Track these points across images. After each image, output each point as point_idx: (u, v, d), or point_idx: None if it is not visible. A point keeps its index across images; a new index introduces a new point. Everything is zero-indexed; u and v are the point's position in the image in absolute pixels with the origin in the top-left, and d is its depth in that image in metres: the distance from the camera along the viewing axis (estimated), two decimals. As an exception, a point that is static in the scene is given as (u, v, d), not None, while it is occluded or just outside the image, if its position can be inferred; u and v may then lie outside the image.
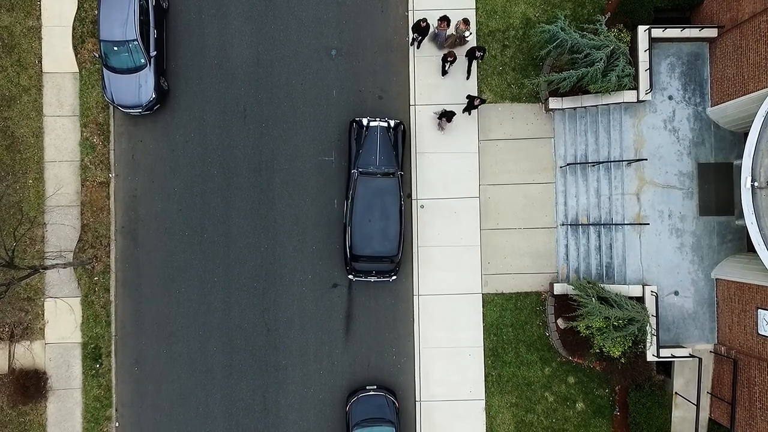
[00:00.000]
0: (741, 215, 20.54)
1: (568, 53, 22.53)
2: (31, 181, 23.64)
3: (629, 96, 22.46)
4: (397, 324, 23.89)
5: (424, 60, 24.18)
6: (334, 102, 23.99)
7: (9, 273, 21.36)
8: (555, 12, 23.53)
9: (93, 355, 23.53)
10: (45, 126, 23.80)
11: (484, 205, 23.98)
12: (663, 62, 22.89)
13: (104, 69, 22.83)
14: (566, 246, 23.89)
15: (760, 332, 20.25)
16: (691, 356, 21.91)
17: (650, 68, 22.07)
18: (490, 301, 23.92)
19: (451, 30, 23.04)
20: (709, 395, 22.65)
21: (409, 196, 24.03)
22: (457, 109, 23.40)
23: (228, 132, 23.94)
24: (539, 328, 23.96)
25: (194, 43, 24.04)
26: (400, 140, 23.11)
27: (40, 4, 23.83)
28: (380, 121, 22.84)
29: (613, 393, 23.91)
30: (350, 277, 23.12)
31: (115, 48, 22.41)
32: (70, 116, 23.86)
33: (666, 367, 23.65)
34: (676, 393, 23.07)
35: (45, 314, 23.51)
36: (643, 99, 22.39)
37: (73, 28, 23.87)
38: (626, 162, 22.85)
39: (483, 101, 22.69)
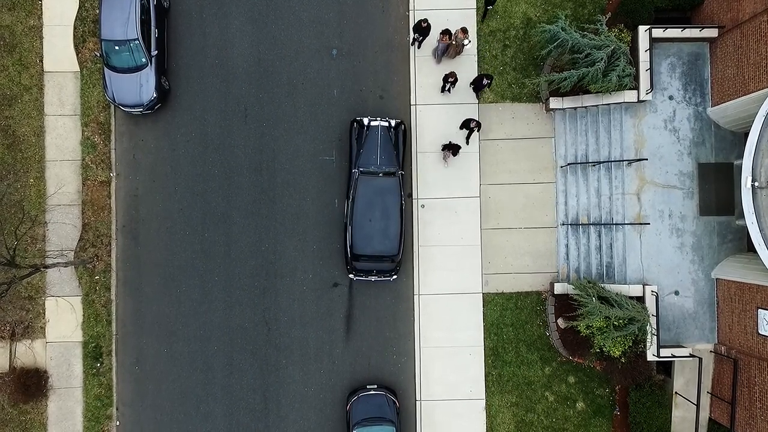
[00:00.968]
0: (741, 215, 20.55)
1: (568, 53, 22.55)
2: (32, 180, 23.67)
3: (630, 96, 22.48)
4: (397, 323, 23.91)
5: (424, 60, 24.20)
6: (334, 101, 24.01)
7: (10, 272, 21.40)
8: (556, 12, 23.56)
9: (94, 354, 23.56)
10: (46, 125, 23.84)
11: (484, 204, 24.00)
12: (663, 62, 22.91)
13: (105, 68, 22.86)
14: (566, 246, 23.91)
15: (760, 332, 20.27)
16: (692, 356, 21.93)
17: (651, 68, 22.09)
18: (490, 300, 23.94)
19: (446, 39, 23.00)
20: (709, 395, 22.67)
21: (410, 195, 24.05)
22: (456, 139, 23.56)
23: (229, 131, 23.97)
24: (539, 328, 23.98)
25: (195, 42, 24.07)
26: (400, 140, 23.14)
27: (41, 4, 23.87)
28: (381, 120, 22.87)
29: (614, 393, 23.93)
30: (351, 276, 23.14)
31: (117, 47, 22.44)
32: (71, 115, 23.89)
33: (666, 367, 23.67)
34: (676, 393, 23.09)
35: (46, 313, 23.54)
36: (643, 99, 22.41)
37: (75, 28, 23.90)
38: (627, 162, 22.87)
39: (479, 124, 22.70)
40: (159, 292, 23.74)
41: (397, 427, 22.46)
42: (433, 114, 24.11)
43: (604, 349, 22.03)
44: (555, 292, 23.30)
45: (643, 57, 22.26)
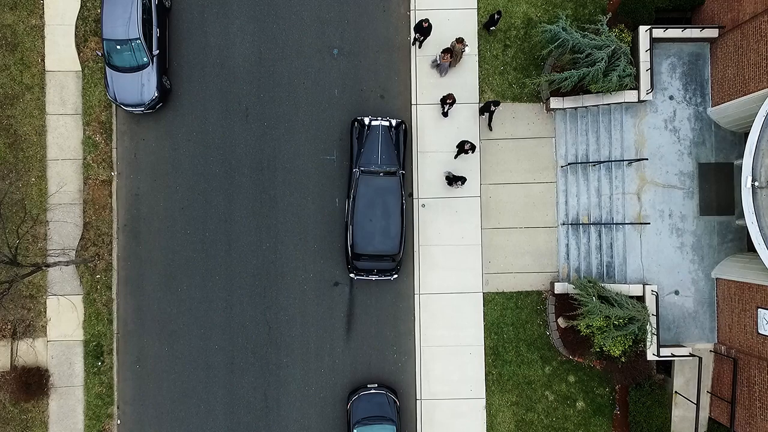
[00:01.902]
0: (741, 215, 20.61)
1: (569, 53, 22.60)
2: (33, 179, 23.71)
3: (630, 96, 22.53)
4: (398, 322, 23.96)
5: (425, 60, 24.24)
6: (335, 101, 24.05)
7: (12, 270, 21.43)
8: (556, 12, 23.61)
9: (95, 352, 23.60)
10: (48, 124, 23.88)
11: (485, 204, 24.05)
12: (664, 62, 22.96)
13: (107, 67, 22.89)
14: (567, 245, 23.96)
15: (760, 331, 20.31)
16: (691, 355, 21.98)
17: (651, 68, 22.14)
18: (490, 300, 23.99)
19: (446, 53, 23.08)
20: (709, 394, 22.72)
21: (411, 195, 24.10)
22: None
23: (230, 131, 24.02)
24: (540, 327, 24.03)
25: (197, 41, 24.11)
26: (401, 139, 23.19)
27: (43, 3, 23.91)
28: (382, 120, 22.92)
29: (614, 392, 23.98)
30: (351, 275, 23.19)
31: (118, 46, 22.48)
32: (72, 114, 23.94)
33: (666, 366, 23.72)
34: (676, 392, 23.13)
35: (47, 312, 23.59)
36: (644, 99, 22.46)
37: (76, 27, 23.94)
38: (627, 162, 22.92)
39: (473, 146, 22.75)
40: (160, 291, 23.79)
41: (398, 426, 22.51)
42: (434, 114, 24.14)
43: (604, 348, 22.08)
44: (555, 292, 23.34)
45: (644, 57, 22.31)
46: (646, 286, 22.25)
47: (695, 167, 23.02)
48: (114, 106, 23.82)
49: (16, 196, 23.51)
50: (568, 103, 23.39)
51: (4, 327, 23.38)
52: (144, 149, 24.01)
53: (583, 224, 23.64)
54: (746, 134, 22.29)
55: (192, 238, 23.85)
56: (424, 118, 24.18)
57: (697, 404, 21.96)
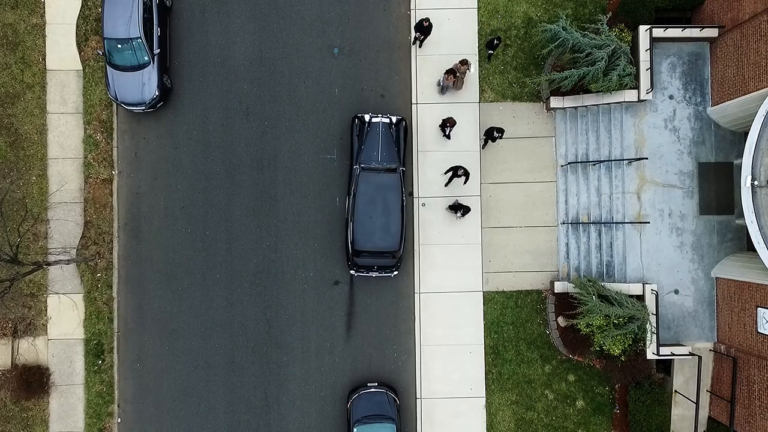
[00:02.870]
0: (741, 214, 20.64)
1: (569, 52, 22.64)
2: (34, 178, 23.75)
3: (630, 95, 22.57)
4: (398, 321, 23.99)
5: (425, 59, 24.29)
6: (336, 100, 24.09)
7: (13, 269, 21.46)
8: (557, 11, 23.64)
9: (95, 351, 23.64)
10: (48, 123, 23.92)
11: (485, 203, 24.08)
12: (664, 62, 23.00)
13: (108, 66, 22.93)
14: (567, 244, 24.00)
15: (759, 330, 20.35)
16: (691, 354, 22.01)
17: (651, 68, 22.18)
18: (490, 299, 24.02)
19: (450, 74, 23.13)
20: (709, 393, 22.75)
21: (411, 194, 24.14)
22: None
23: (230, 130, 24.05)
24: (540, 326, 24.06)
25: (197, 40, 24.15)
26: (402, 136, 23.22)
27: (44, 2, 23.96)
28: (382, 117, 22.95)
29: (613, 391, 24.01)
30: (352, 272, 23.21)
31: (119, 45, 22.52)
32: (73, 113, 23.97)
33: (666, 365, 23.75)
34: (675, 391, 23.16)
35: (48, 310, 23.62)
36: (644, 98, 22.49)
37: (77, 26, 23.98)
38: (627, 161, 22.96)
39: (467, 173, 22.82)
40: (160, 290, 23.82)
41: (398, 424, 22.54)
42: (435, 113, 24.18)
43: (603, 347, 22.12)
44: (555, 291, 23.38)
45: (644, 56, 22.34)
46: (646, 285, 22.28)
47: (695, 167, 23.05)
48: (115, 104, 23.87)
49: (17, 194, 23.56)
50: (568, 102, 23.43)
51: (5, 325, 23.41)
52: (145, 148, 24.05)
53: (583, 223, 23.68)
54: (746, 134, 22.31)
55: (192, 236, 23.89)
56: (425, 117, 24.22)
57: (697, 403, 22.00)
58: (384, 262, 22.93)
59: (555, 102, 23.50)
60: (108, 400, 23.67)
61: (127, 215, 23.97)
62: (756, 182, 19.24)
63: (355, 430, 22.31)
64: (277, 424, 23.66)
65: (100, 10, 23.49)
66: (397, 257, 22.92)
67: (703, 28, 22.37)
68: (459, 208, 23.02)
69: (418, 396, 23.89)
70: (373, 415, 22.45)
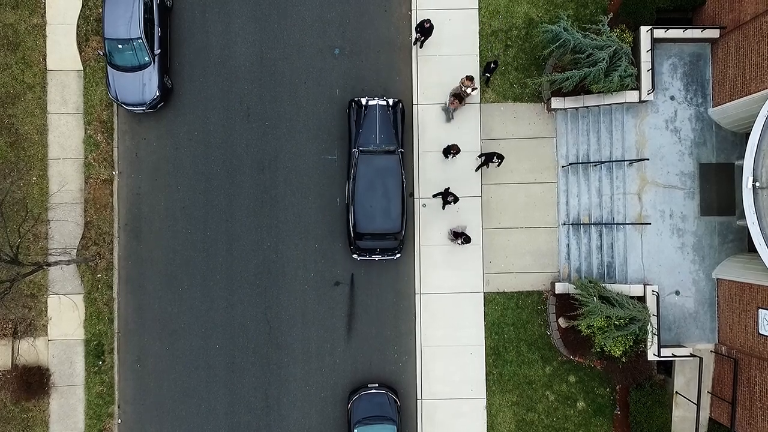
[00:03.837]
0: (742, 215, 20.62)
1: (570, 53, 22.60)
2: (35, 178, 23.72)
3: (631, 96, 22.54)
4: (398, 322, 23.97)
5: (427, 59, 24.26)
6: (337, 101, 24.05)
7: (13, 269, 21.43)
8: (558, 12, 23.60)
9: (96, 351, 23.61)
10: (49, 123, 23.89)
11: (486, 204, 24.05)
12: (665, 62, 22.97)
13: (108, 67, 22.90)
14: (568, 245, 23.97)
15: (760, 332, 20.32)
16: (692, 356, 21.98)
17: (652, 69, 22.15)
18: (491, 299, 23.99)
19: (455, 88, 23.20)
20: (710, 395, 22.73)
21: (412, 195, 24.11)
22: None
23: (231, 130, 24.03)
24: (540, 327, 24.03)
25: (198, 41, 24.12)
26: (399, 118, 23.15)
27: (44, 2, 23.93)
28: (379, 99, 22.90)
29: (614, 392, 23.98)
30: (354, 256, 23.07)
31: (120, 46, 22.49)
32: (74, 113, 23.95)
33: (667, 367, 23.73)
34: (676, 392, 23.14)
35: (48, 311, 23.59)
36: (645, 99, 22.47)
37: (78, 26, 23.95)
38: (628, 162, 22.92)
39: (456, 198, 22.83)
40: (161, 290, 23.80)
41: (398, 425, 22.51)
42: (435, 114, 24.16)
43: (604, 348, 22.09)
44: (556, 292, 23.35)
45: (645, 57, 22.31)
46: (647, 287, 22.25)
47: (696, 167, 23.03)
48: (115, 105, 23.84)
49: (17, 194, 23.51)
50: (569, 103, 23.40)
51: (5, 326, 23.39)
52: (145, 148, 24.03)
53: (583, 224, 23.64)
54: (747, 135, 22.28)
55: (193, 237, 23.86)
56: (425, 118, 24.19)
57: (698, 404, 21.98)
58: (386, 244, 22.84)
59: (556, 103, 23.47)
60: (108, 401, 23.64)
61: (127, 216, 23.95)
62: (757, 184, 19.21)
63: (355, 431, 22.28)
64: (277, 425, 23.63)
65: (100, 10, 23.46)
66: (399, 239, 22.84)
67: (705, 29, 22.35)
68: (460, 236, 22.98)
69: (418, 397, 23.86)
70: (373, 416, 22.43)
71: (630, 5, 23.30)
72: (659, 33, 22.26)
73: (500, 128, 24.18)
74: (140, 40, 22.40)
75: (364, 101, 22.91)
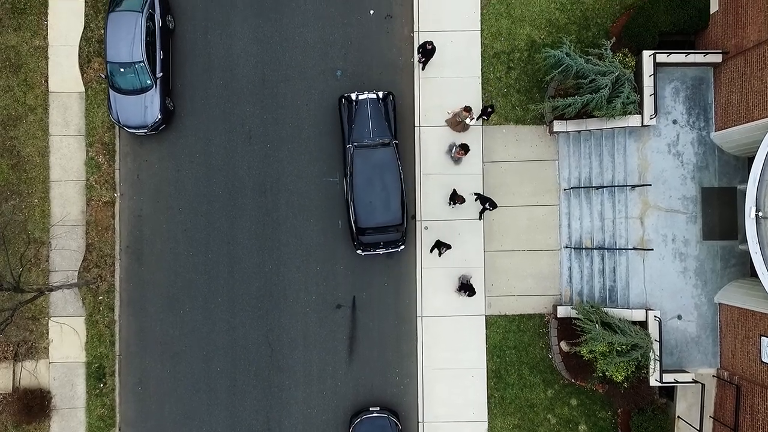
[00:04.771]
0: (744, 240, 20.59)
1: (573, 78, 22.56)
2: (36, 201, 23.69)
3: (634, 121, 22.52)
4: (400, 345, 23.93)
5: (428, 81, 24.24)
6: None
7: (15, 297, 21.39)
8: (560, 36, 23.44)
9: (97, 374, 23.58)
10: (51, 145, 23.87)
11: (488, 226, 24.02)
12: (667, 86, 22.93)
13: (110, 90, 22.89)
14: (570, 268, 23.94)
15: (763, 360, 20.27)
16: (694, 382, 21.92)
17: (655, 93, 22.12)
18: (493, 322, 23.96)
19: (454, 114, 23.23)
20: (712, 419, 22.67)
21: (413, 217, 24.08)
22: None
23: (233, 152, 24.01)
24: (542, 350, 24.00)
25: (200, 62, 24.10)
26: (391, 110, 23.10)
27: (46, 24, 23.90)
28: (369, 93, 22.88)
29: (616, 416, 23.92)
30: (359, 252, 23.02)
31: (122, 69, 22.48)
32: (75, 136, 23.93)
33: (669, 391, 23.67)
34: (678, 417, 23.09)
35: (49, 333, 23.55)
36: (647, 124, 22.43)
37: (80, 48, 23.94)
38: (630, 187, 22.87)
39: (449, 246, 22.96)
40: (162, 313, 23.77)
41: (400, 449, 22.49)
42: (437, 136, 24.14)
43: (606, 373, 22.04)
44: (558, 316, 23.32)
45: (647, 82, 22.28)
46: (649, 312, 22.21)
47: (698, 192, 22.98)
48: (117, 127, 23.80)
49: (18, 217, 23.48)
50: (571, 126, 23.38)
51: (6, 348, 23.35)
52: (147, 170, 24.01)
53: (586, 248, 23.59)
54: (750, 159, 22.27)
55: (194, 259, 23.84)
56: (427, 140, 24.17)
57: (700, 430, 21.93)
58: (389, 237, 22.83)
59: (558, 126, 23.45)
60: (109, 423, 23.60)
61: (128, 238, 23.92)
62: (760, 213, 19.17)
63: (357, 455, 22.26)
64: (278, 448, 23.63)
65: (102, 31, 23.48)
66: (401, 231, 22.83)
67: (707, 54, 22.31)
68: (466, 288, 22.93)
69: (420, 420, 23.81)
70: (375, 440, 22.39)
71: (632, 28, 23.28)
72: (662, 58, 22.24)
73: (502, 151, 24.15)
74: (142, 64, 22.39)
75: (354, 96, 22.87)
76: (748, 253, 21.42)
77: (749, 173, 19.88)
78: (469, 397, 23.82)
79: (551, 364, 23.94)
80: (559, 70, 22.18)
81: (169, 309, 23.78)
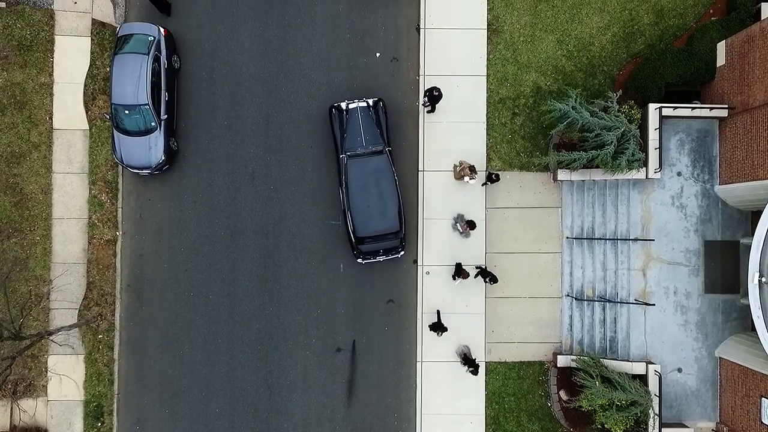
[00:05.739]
0: (746, 294, 20.53)
1: (578, 131, 22.52)
2: (38, 238, 23.66)
3: (638, 173, 22.46)
4: (399, 390, 23.90)
5: (433, 125, 24.21)
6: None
7: (15, 344, 21.36)
8: (566, 89, 23.27)
9: (95, 413, 23.55)
10: (54, 183, 23.84)
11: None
12: (673, 138, 22.89)
13: (114, 130, 22.87)
14: (570, 317, 23.90)
15: (763, 421, 20.23)
16: (694, 438, 21.91)
17: (660, 147, 22.07)
18: (492, 369, 23.92)
19: (461, 167, 23.33)
20: (710, 474, 22.66)
21: (415, 261, 24.06)
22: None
23: (236, 193, 23.98)
24: (541, 398, 23.96)
25: (205, 103, 24.08)
26: (382, 117, 23.14)
27: (52, 61, 23.88)
28: (359, 101, 22.93)
29: (614, 466, 23.86)
30: (359, 260, 23.03)
31: (127, 111, 22.47)
32: (79, 173, 23.91)
33: (667, 443, 23.62)
34: (676, 470, 23.04)
35: (48, 371, 23.52)
36: (652, 177, 22.39)
37: (85, 86, 23.92)
38: (633, 240, 22.82)
39: (446, 328, 22.91)
40: (162, 353, 23.74)
41: (397, 497, 22.46)
42: (441, 181, 24.11)
43: (605, 425, 22.00)
44: (558, 365, 23.27)
45: (653, 135, 22.24)
46: (650, 366, 22.16)
47: (701, 244, 22.94)
48: (120, 165, 23.77)
49: (20, 255, 23.45)
50: (575, 176, 23.33)
51: (4, 386, 23.29)
52: (149, 209, 23.98)
53: (587, 299, 23.54)
54: (753, 213, 22.30)
55: (195, 300, 23.81)
56: (431, 184, 24.13)
57: (698, 485, 21.92)
58: (388, 244, 22.87)
59: (562, 175, 23.41)
60: (106, 463, 23.61)
61: (130, 277, 23.90)
62: (763, 279, 19.13)
63: (353, 503, 22.23)
64: (275, 491, 23.59)
65: (108, 69, 23.44)
66: (400, 237, 22.84)
67: (713, 108, 22.27)
68: (469, 363, 22.82)
69: (417, 465, 23.82)
70: (372, 486, 22.37)
71: (638, 79, 23.26)
72: (667, 111, 22.18)
73: (505, 197, 24.12)
74: (147, 106, 22.36)
75: (344, 105, 22.89)
76: (749, 307, 21.40)
77: (752, 227, 19.83)
78: (467, 444, 23.82)
79: (550, 412, 23.89)
80: (565, 123, 22.13)
81: (168, 349, 23.75)
